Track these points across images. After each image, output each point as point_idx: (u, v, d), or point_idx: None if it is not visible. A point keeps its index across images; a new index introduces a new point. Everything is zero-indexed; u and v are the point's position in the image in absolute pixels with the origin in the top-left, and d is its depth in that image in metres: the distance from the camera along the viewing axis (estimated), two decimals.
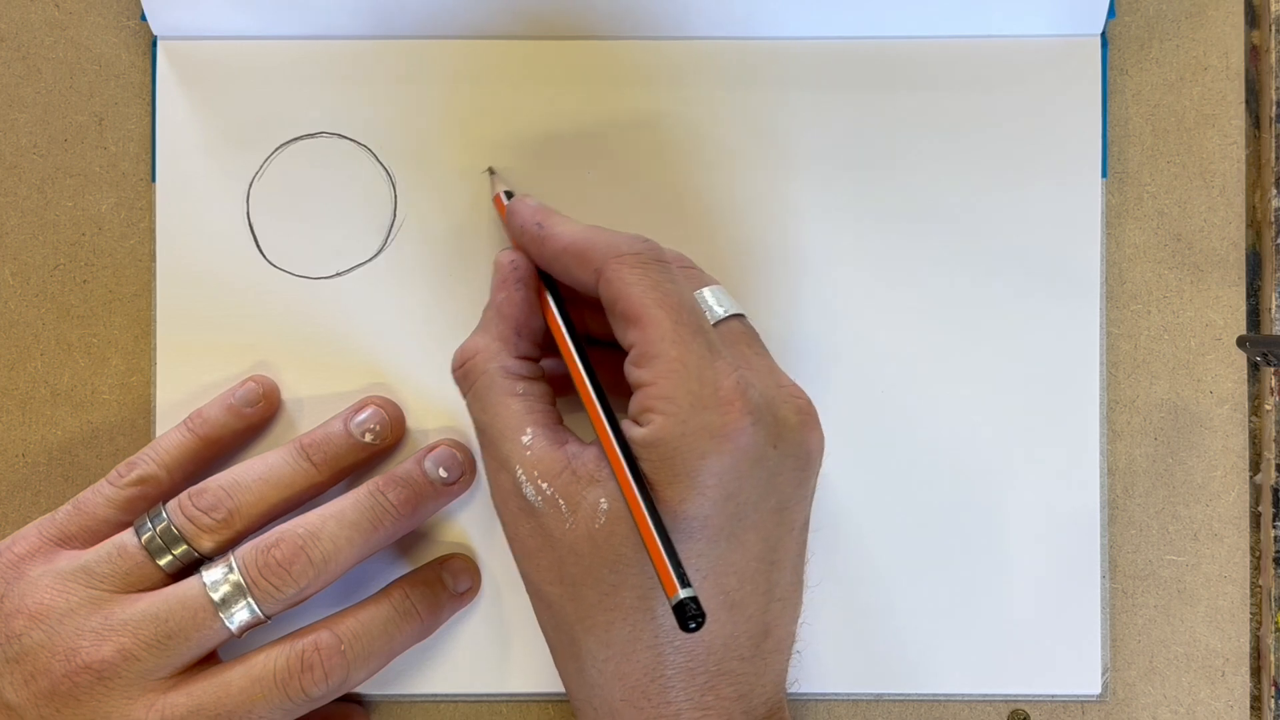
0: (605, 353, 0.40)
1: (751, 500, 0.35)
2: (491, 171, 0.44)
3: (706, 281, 0.39)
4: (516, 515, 0.37)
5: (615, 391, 0.38)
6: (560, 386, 0.40)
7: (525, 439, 0.37)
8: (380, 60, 0.44)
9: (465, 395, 0.39)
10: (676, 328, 0.36)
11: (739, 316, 0.38)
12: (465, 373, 0.39)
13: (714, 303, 0.38)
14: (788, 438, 0.36)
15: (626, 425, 0.36)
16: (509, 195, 0.42)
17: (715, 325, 0.38)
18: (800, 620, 0.39)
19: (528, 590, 0.38)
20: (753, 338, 0.39)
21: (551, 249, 0.38)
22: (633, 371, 0.36)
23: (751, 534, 0.36)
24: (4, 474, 0.45)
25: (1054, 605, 0.44)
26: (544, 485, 0.36)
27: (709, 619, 0.35)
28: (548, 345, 0.40)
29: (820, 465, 0.38)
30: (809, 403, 0.38)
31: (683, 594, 0.33)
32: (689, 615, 0.32)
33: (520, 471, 0.36)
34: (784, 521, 0.37)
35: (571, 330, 0.39)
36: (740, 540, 0.36)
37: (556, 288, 0.39)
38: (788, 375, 0.38)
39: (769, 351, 0.39)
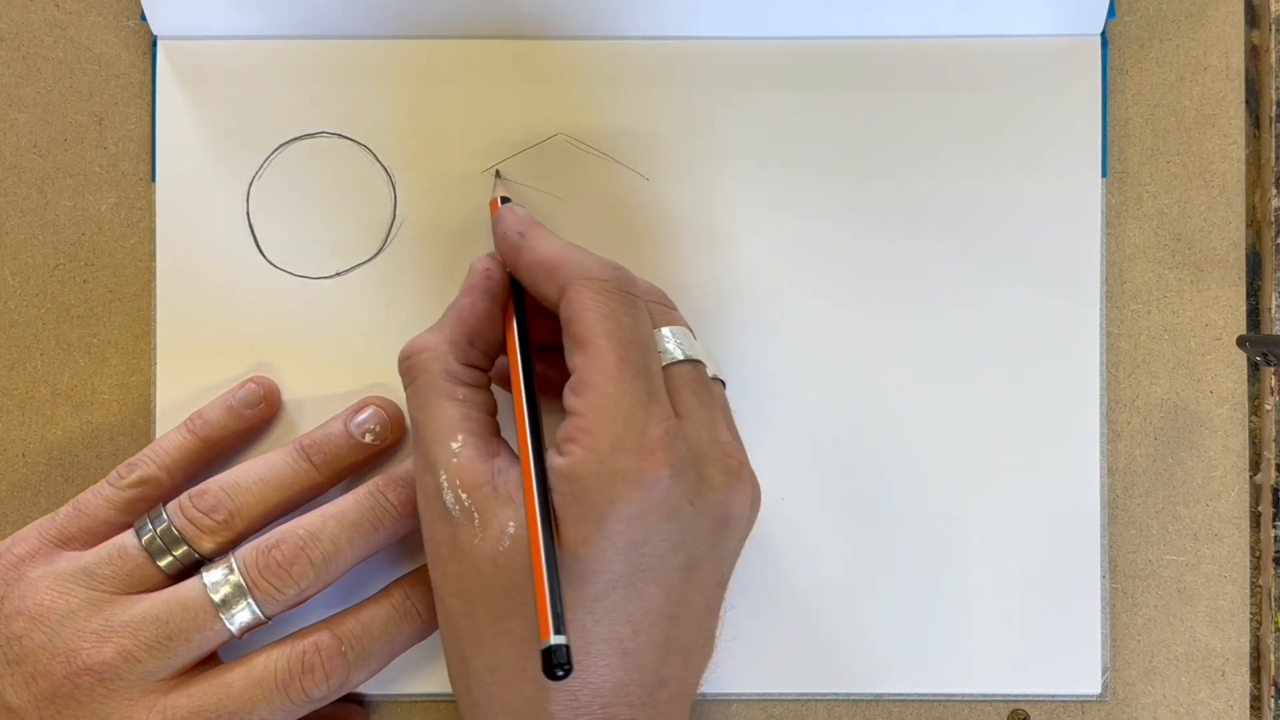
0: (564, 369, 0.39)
1: (658, 553, 0.35)
2: (498, 174, 0.44)
3: (673, 321, 0.38)
4: (434, 520, 0.37)
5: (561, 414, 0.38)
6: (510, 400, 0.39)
7: (455, 445, 0.36)
8: (380, 60, 0.44)
9: (406, 390, 0.39)
10: (619, 364, 0.35)
11: (694, 362, 0.38)
12: (409, 367, 0.38)
13: (672, 345, 0.38)
14: (708, 496, 0.36)
15: (550, 453, 0.36)
16: (505, 201, 0.42)
17: (666, 367, 0.37)
18: (708, 670, 0.38)
19: (434, 596, 0.38)
20: (701, 386, 0.38)
21: (526, 260, 0.38)
22: (568, 397, 0.36)
23: (653, 586, 0.35)
24: (4, 474, 0.45)
25: (1054, 605, 0.44)
26: (463, 495, 0.36)
27: (597, 663, 0.35)
28: (501, 355, 0.40)
29: (747, 527, 0.38)
30: (741, 463, 0.37)
31: (553, 640, 0.32)
32: (555, 663, 0.32)
33: (444, 476, 0.36)
34: (691, 579, 0.36)
35: (525, 347, 0.38)
36: (639, 590, 0.35)
37: (524, 300, 0.39)
38: (731, 431, 0.38)
39: (722, 403, 0.38)
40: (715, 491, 0.36)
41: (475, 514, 0.36)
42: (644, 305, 0.37)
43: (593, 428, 0.35)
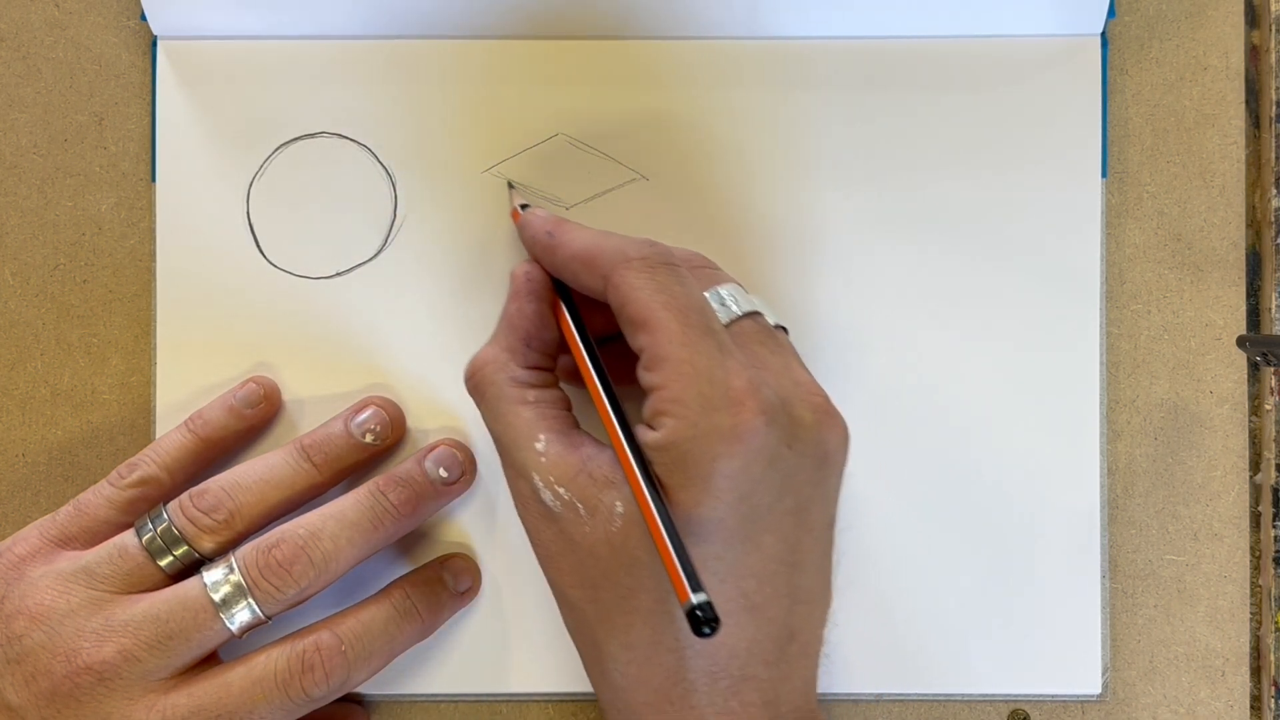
0: (624, 355, 0.40)
1: (766, 502, 0.35)
2: (511, 186, 0.44)
3: (720, 280, 0.38)
4: (537, 521, 0.37)
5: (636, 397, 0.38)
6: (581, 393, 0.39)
7: (539, 445, 0.36)
8: (380, 60, 0.44)
9: (479, 407, 0.39)
10: (684, 330, 0.35)
11: (754, 315, 0.38)
12: (476, 384, 0.38)
13: (729, 302, 0.38)
14: (803, 437, 0.36)
15: (640, 430, 0.36)
16: (525, 208, 0.42)
17: (728, 325, 0.37)
18: (829, 624, 0.38)
19: (554, 594, 0.38)
20: (767, 335, 0.38)
21: (561, 256, 0.38)
22: (644, 376, 0.36)
23: (769, 536, 0.35)
24: (4, 474, 0.45)
25: (1054, 605, 0.44)
26: (561, 490, 0.36)
27: (728, 622, 0.35)
28: (563, 354, 0.40)
29: (843, 463, 0.38)
30: (826, 399, 0.37)
31: (695, 599, 0.32)
32: (703, 620, 0.32)
33: (537, 478, 0.36)
34: (803, 523, 0.36)
35: (585, 337, 0.38)
36: (757, 542, 0.35)
37: (570, 295, 0.39)
38: (807, 372, 0.38)
39: (790, 347, 0.38)
40: (809, 431, 0.36)
41: (578, 504, 0.36)
42: (687, 272, 0.37)
43: (678, 395, 0.35)
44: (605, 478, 0.36)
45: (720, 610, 0.34)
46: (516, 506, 0.38)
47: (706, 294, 0.37)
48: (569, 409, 0.39)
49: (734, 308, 0.37)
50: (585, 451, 0.36)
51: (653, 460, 0.35)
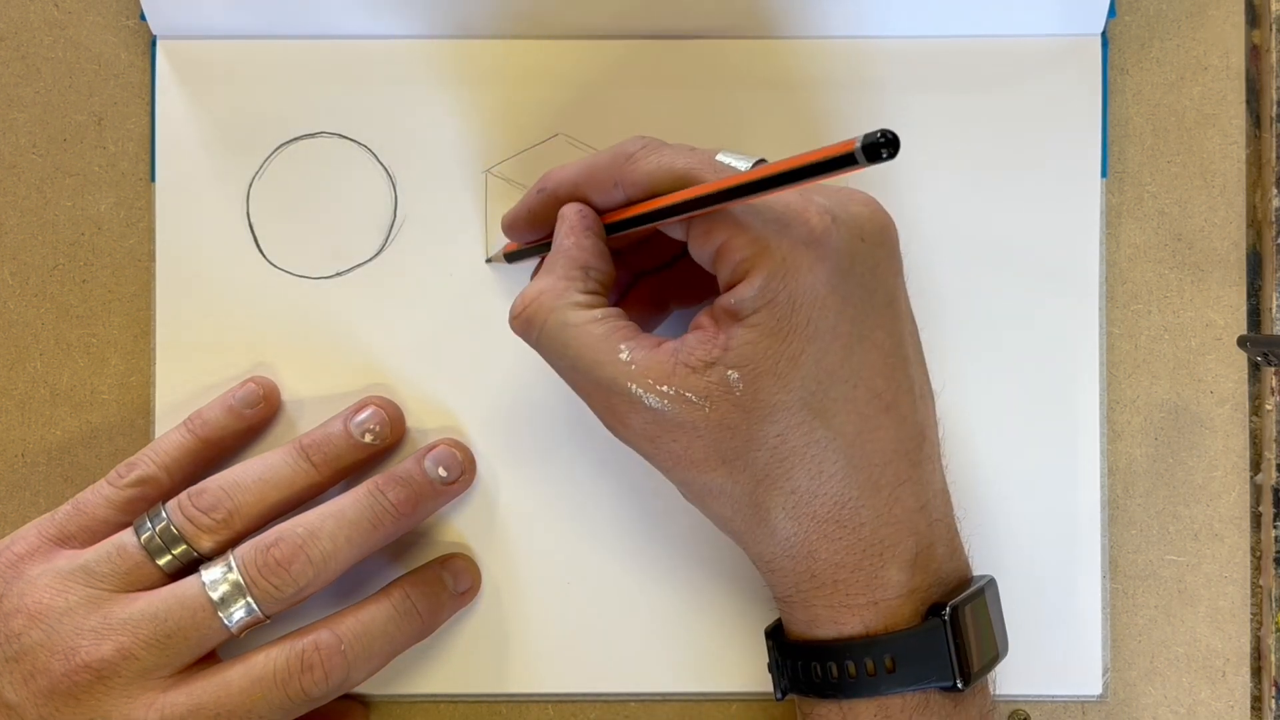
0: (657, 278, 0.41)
1: (862, 298, 0.36)
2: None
3: (710, 150, 0.38)
4: (648, 428, 0.36)
5: (660, 309, 0.40)
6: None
7: (624, 355, 0.36)
8: (380, 60, 0.44)
9: (534, 339, 0.38)
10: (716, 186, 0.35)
11: (759, 161, 0.37)
12: (531, 314, 0.37)
13: (731, 160, 0.37)
14: (868, 229, 0.36)
15: (724, 299, 0.35)
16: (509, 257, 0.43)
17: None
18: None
19: (691, 497, 0.38)
20: None
21: (571, 181, 0.38)
22: (705, 245, 0.36)
23: (878, 331, 0.36)
24: (4, 474, 0.45)
25: (1054, 605, 0.44)
26: (664, 388, 0.35)
27: (870, 424, 0.36)
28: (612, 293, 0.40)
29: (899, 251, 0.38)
30: (867, 194, 0.37)
31: (860, 138, 0.30)
32: (883, 143, 0.29)
33: (633, 386, 0.36)
34: (899, 314, 0.37)
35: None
36: (872, 340, 0.36)
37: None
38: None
39: None
40: (870, 222, 0.36)
41: (687, 394, 0.35)
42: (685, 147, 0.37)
43: (749, 235, 0.35)
44: (702, 360, 0.35)
45: (859, 414, 0.35)
46: (614, 426, 0.37)
47: (717, 159, 0.37)
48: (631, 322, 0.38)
49: (739, 165, 0.37)
50: (668, 346, 0.36)
51: (754, 310, 0.35)
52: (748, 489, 0.36)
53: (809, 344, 0.35)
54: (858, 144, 0.30)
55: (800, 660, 0.38)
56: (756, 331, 0.35)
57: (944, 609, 0.36)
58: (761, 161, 0.37)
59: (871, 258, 0.36)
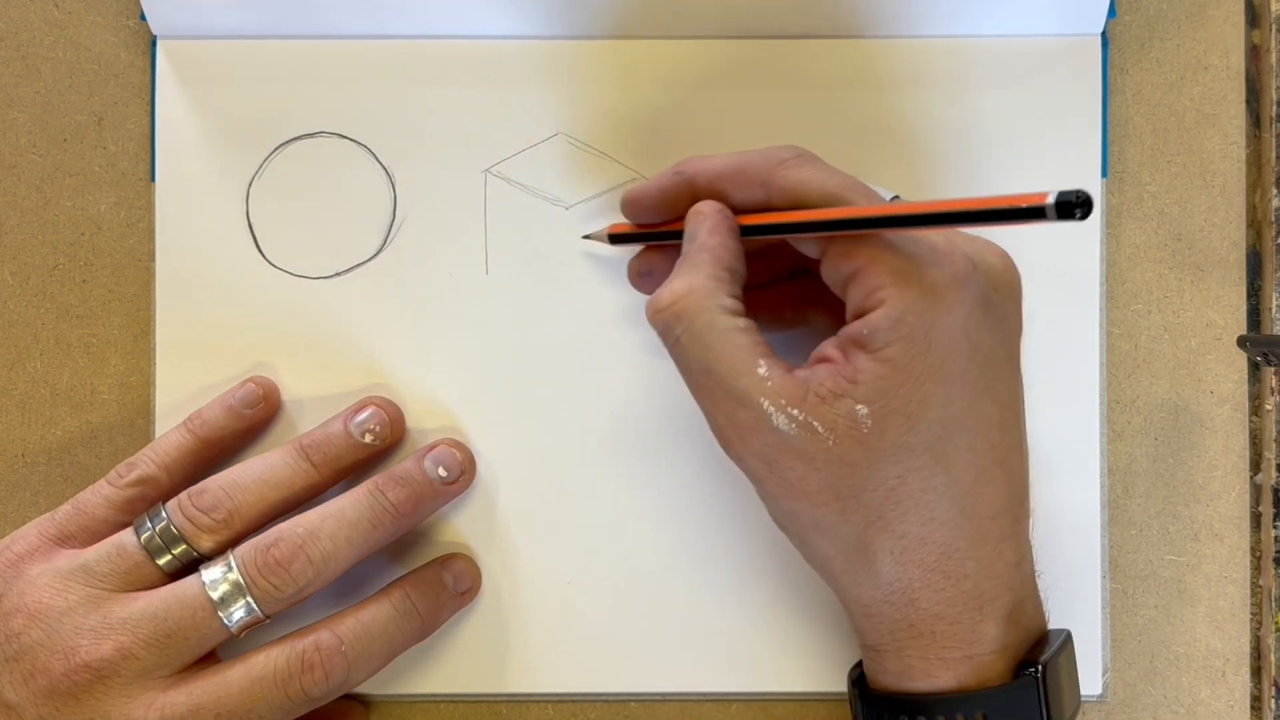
0: (762, 293, 0.40)
1: (991, 349, 0.35)
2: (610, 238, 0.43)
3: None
4: (769, 449, 0.36)
5: (779, 324, 0.39)
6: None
7: (762, 370, 0.35)
8: (380, 60, 0.44)
9: (675, 336, 0.37)
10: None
11: (896, 198, 0.38)
12: (678, 312, 0.36)
13: (876, 189, 0.37)
14: (1001, 281, 0.36)
15: (853, 327, 0.35)
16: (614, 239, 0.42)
17: None
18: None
19: (792, 530, 0.37)
20: None
21: (714, 172, 0.38)
22: (842, 267, 0.35)
23: (999, 385, 0.36)
24: (4, 474, 0.45)
25: (1054, 605, 0.43)
26: (795, 412, 0.35)
27: (984, 477, 0.35)
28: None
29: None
30: (1000, 248, 0.37)
31: (1054, 193, 0.29)
32: (1076, 203, 0.29)
33: (766, 403, 0.35)
34: (1016, 369, 0.37)
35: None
36: (993, 393, 0.36)
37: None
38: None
39: None
40: (1002, 275, 0.36)
41: (814, 423, 0.35)
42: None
43: (890, 266, 0.34)
44: (831, 391, 0.35)
45: (976, 465, 0.35)
46: (732, 441, 0.36)
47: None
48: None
49: (886, 195, 0.37)
50: (801, 374, 0.35)
51: (884, 344, 0.34)
52: (858, 528, 0.36)
53: (940, 387, 0.34)
54: (1050, 199, 0.29)
55: (888, 712, 0.37)
56: (888, 367, 0.34)
57: (1035, 666, 0.36)
58: (897, 198, 0.36)
59: (1002, 310, 0.36)
